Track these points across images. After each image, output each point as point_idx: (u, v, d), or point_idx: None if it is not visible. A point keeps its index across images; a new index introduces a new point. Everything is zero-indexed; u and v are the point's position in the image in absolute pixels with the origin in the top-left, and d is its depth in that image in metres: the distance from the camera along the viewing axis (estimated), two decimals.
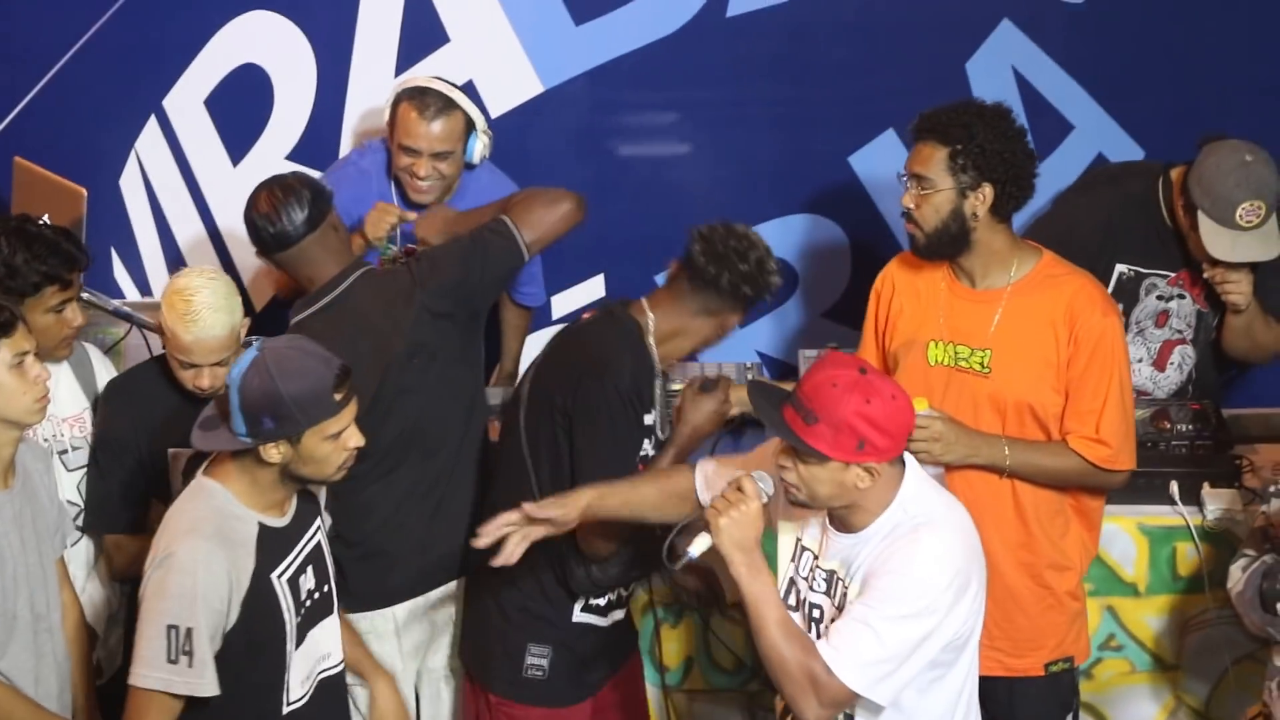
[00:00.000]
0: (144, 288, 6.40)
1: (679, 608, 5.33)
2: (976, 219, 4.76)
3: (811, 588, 4.23)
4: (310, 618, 4.39)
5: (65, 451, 4.95)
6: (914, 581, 4.01)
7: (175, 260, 6.40)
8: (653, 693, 5.35)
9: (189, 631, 4.11)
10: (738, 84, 6.42)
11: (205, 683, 4.15)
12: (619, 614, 4.95)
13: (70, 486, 4.95)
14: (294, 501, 4.37)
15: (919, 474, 4.16)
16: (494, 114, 6.23)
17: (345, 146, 6.27)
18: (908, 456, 4.16)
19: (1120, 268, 5.57)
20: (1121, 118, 6.30)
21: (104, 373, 5.10)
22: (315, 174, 6.02)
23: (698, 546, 4.18)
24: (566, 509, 4.41)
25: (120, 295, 6.29)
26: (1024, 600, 4.88)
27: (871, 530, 4.11)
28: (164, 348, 4.84)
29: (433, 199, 5.71)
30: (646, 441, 4.78)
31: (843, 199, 6.39)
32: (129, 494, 4.91)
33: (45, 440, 4.89)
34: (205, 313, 4.69)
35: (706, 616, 5.33)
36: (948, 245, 4.80)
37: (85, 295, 5.09)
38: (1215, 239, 5.34)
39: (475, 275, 4.97)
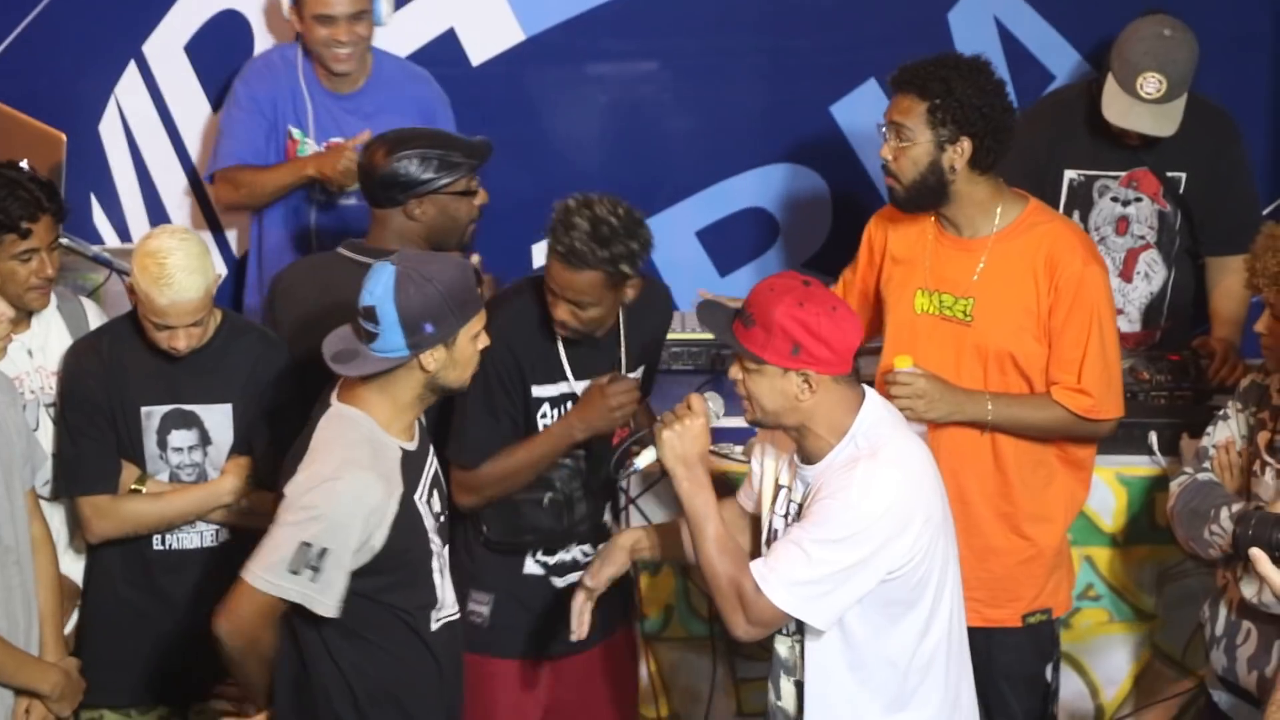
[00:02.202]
0: (123, 233, 6.37)
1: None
2: (954, 172, 4.76)
3: (785, 520, 4.26)
4: (442, 538, 4.42)
5: (54, 405, 4.89)
6: (846, 507, 4.03)
7: (155, 206, 6.38)
8: None
9: (323, 551, 4.14)
10: (719, 32, 6.42)
11: (325, 602, 4.19)
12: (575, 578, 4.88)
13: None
14: (417, 425, 4.39)
15: (879, 408, 4.17)
16: (475, 62, 6.23)
17: None
18: (872, 392, 4.18)
19: (1069, 175, 5.60)
20: (1103, 68, 6.29)
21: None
22: None
23: (643, 459, 4.26)
24: (615, 564, 4.52)
25: (100, 241, 6.26)
26: (1001, 551, 4.89)
27: (828, 460, 4.13)
28: (135, 308, 4.77)
29: (353, 67, 5.86)
30: (548, 410, 4.79)
31: (824, 149, 6.39)
32: (104, 455, 4.83)
33: (32, 392, 4.85)
34: (179, 275, 4.62)
35: (684, 566, 5.34)
36: (926, 197, 4.80)
37: (65, 241, 5.06)
38: (1113, 101, 5.39)
39: None
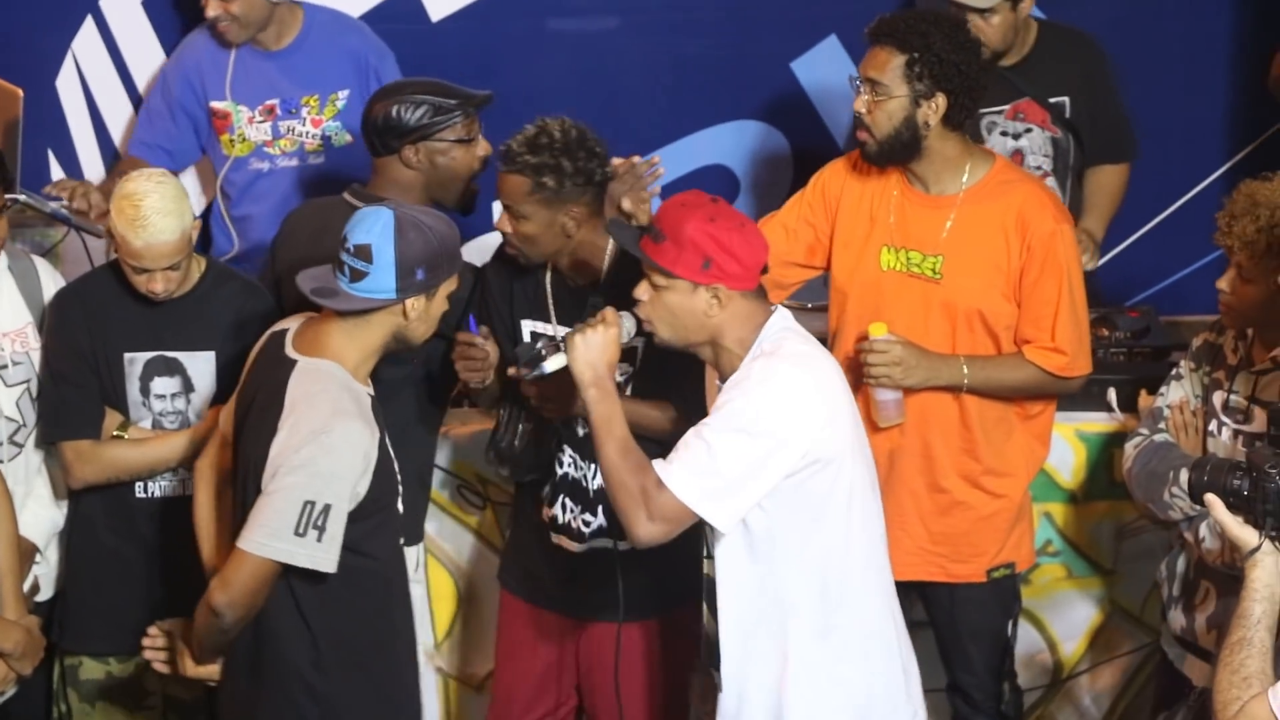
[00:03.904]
0: None
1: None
2: (928, 128, 4.76)
3: None
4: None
5: (5, 367, 4.87)
6: (742, 395, 4.06)
7: (112, 162, 6.35)
8: None
9: (327, 508, 4.14)
10: None
11: (329, 558, 4.18)
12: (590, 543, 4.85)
13: (9, 402, 4.87)
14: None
15: (786, 320, 4.20)
16: (436, 18, 6.20)
17: None
18: (782, 310, 4.20)
19: None
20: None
21: (52, 286, 4.99)
22: None
23: (552, 363, 4.30)
24: None
25: (57, 198, 6.23)
26: (965, 505, 4.92)
27: (738, 371, 4.15)
28: (115, 253, 4.78)
29: (239, 37, 5.86)
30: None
31: (785, 105, 6.39)
32: (87, 400, 4.85)
33: None
34: (155, 218, 4.63)
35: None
36: (899, 152, 4.80)
37: (23, 197, 5.05)
38: None
39: None
